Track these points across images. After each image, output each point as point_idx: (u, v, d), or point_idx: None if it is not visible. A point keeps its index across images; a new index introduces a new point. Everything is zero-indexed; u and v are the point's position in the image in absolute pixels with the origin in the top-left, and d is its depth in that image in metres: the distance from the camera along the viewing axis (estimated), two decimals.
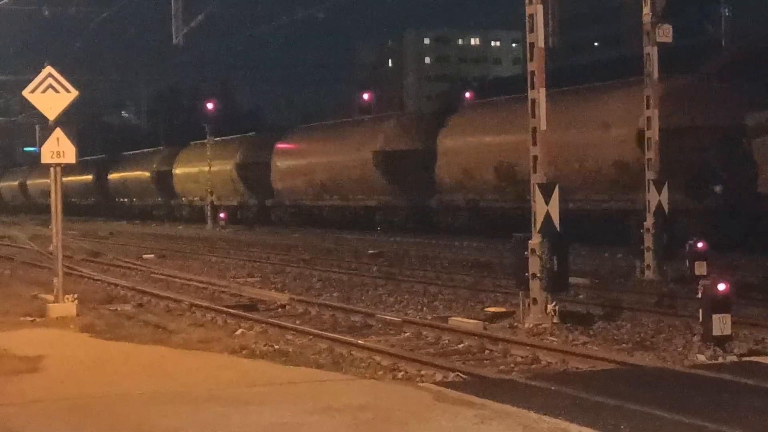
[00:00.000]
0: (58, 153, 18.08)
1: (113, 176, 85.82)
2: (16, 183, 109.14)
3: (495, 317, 17.58)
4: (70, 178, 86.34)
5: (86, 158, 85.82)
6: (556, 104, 37.76)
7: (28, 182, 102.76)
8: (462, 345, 15.28)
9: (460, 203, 43.80)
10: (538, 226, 16.73)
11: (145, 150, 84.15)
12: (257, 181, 59.84)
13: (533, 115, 17.17)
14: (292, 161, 57.20)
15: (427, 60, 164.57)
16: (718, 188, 31.65)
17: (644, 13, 24.10)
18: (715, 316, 13.36)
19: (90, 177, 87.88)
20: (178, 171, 72.26)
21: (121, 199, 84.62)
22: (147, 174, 77.74)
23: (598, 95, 37.30)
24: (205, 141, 65.97)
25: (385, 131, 48.54)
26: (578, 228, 28.84)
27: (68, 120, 18.68)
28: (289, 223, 56.94)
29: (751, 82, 32.80)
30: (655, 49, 24.19)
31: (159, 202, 76.70)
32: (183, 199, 72.17)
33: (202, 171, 65.43)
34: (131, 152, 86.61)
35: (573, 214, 31.01)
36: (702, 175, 31.98)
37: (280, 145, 58.78)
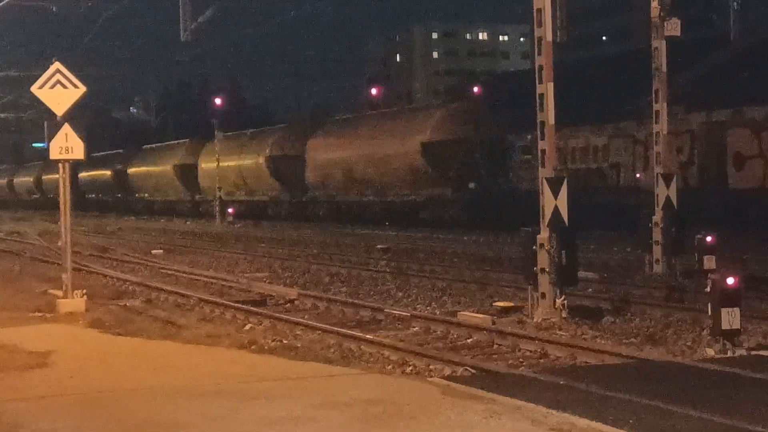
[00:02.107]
0: (67, 149, 18.10)
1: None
2: (31, 178, 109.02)
3: (504, 312, 17.56)
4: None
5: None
6: (373, 123, 53.29)
7: (43, 177, 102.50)
8: (471, 339, 15.27)
9: (323, 198, 55.64)
10: (547, 220, 16.72)
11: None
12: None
13: (541, 109, 17.15)
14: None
15: (436, 54, 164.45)
16: (472, 185, 45.08)
17: (652, 6, 24.04)
18: (724, 310, 13.31)
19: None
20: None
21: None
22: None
23: (398, 117, 51.49)
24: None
25: (274, 139, 60.46)
26: (396, 213, 48.16)
27: (76, 116, 18.70)
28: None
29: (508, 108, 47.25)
30: (664, 42, 24.13)
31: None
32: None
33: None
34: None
35: (391, 204, 49.35)
36: (467, 175, 45.45)
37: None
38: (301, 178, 57.33)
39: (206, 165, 69.08)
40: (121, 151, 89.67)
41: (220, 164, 64.64)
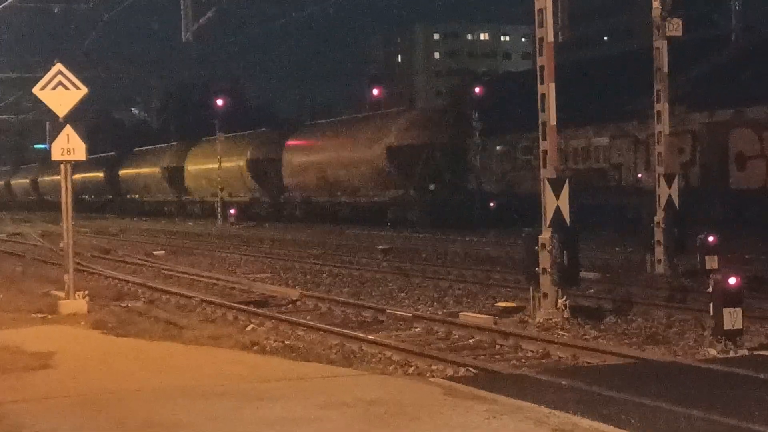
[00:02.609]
0: (68, 150, 18.10)
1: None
2: (27, 180, 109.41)
3: (505, 312, 17.56)
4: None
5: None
6: (343, 129, 56.07)
7: (39, 179, 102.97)
8: (473, 340, 15.27)
9: (299, 199, 58.46)
10: (548, 220, 16.72)
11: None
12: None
13: (542, 110, 17.15)
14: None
15: (437, 55, 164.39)
16: (432, 186, 47.95)
17: (654, 6, 24.04)
18: (726, 310, 13.33)
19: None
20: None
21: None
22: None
23: (365, 123, 54.01)
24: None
25: (253, 143, 63.85)
26: (366, 213, 50.91)
27: (78, 117, 18.70)
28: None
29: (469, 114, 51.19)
30: (665, 43, 24.12)
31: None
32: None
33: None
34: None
35: (361, 205, 52.27)
36: (428, 176, 48.38)
37: None
38: (279, 180, 59.89)
39: (192, 167, 71.78)
40: (113, 153, 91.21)
41: (203, 167, 68.59)
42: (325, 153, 54.95)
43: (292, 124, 63.15)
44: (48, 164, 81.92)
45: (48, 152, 18.94)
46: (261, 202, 63.37)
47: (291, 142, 59.17)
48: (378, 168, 49.91)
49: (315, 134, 58.58)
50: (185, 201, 74.10)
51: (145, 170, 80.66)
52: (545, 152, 17.15)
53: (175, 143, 79.60)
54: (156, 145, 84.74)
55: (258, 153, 62.63)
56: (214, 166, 65.26)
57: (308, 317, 18.30)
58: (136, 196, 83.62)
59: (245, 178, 63.57)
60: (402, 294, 21.44)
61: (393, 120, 51.97)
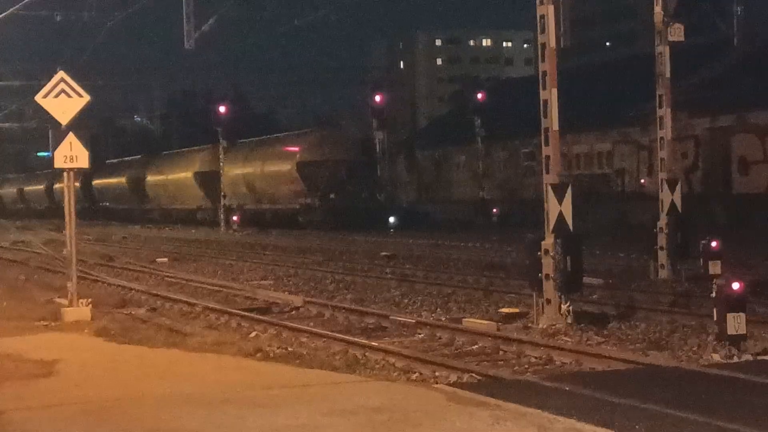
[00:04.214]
0: (71, 157, 18.12)
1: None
2: (42, 187, 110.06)
3: (509, 318, 17.56)
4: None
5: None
6: (265, 146, 64.32)
7: (55, 186, 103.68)
8: (476, 346, 15.27)
9: (234, 206, 64.72)
10: (551, 226, 16.71)
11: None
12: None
13: (545, 116, 17.15)
14: None
15: (439, 61, 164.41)
16: (332, 196, 56.51)
17: (656, 12, 24.04)
18: (729, 315, 13.32)
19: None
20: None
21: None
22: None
23: (282, 141, 62.57)
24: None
25: (201, 157, 71.80)
26: (282, 218, 59.55)
27: (81, 124, 18.73)
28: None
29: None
30: (667, 48, 24.13)
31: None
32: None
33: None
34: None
35: (279, 211, 60.55)
36: (330, 187, 56.60)
37: None
38: (219, 189, 66.73)
39: (152, 178, 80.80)
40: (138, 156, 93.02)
41: (161, 177, 77.70)
42: (252, 167, 64.27)
43: (229, 141, 68.49)
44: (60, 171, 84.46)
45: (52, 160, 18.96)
46: (205, 209, 71.46)
47: (225, 158, 67.11)
48: (291, 180, 59.05)
49: (245, 150, 67.66)
50: (145, 209, 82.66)
51: (113, 180, 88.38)
52: (548, 158, 17.16)
53: (139, 156, 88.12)
54: (122, 158, 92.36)
55: (203, 166, 71.01)
56: (172, 176, 75.94)
57: (312, 324, 18.29)
58: (108, 203, 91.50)
59: (193, 188, 72.36)
60: (405, 300, 21.43)
61: (302, 139, 61.63)
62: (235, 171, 65.48)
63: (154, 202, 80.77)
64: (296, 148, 59.53)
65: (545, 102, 17.15)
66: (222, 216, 63.49)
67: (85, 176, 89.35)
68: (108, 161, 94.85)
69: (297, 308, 20.62)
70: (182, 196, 74.36)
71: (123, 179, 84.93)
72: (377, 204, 58.03)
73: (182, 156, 77.30)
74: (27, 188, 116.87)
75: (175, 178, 75.07)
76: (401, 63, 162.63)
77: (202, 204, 71.58)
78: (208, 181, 68.96)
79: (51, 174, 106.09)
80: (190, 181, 72.20)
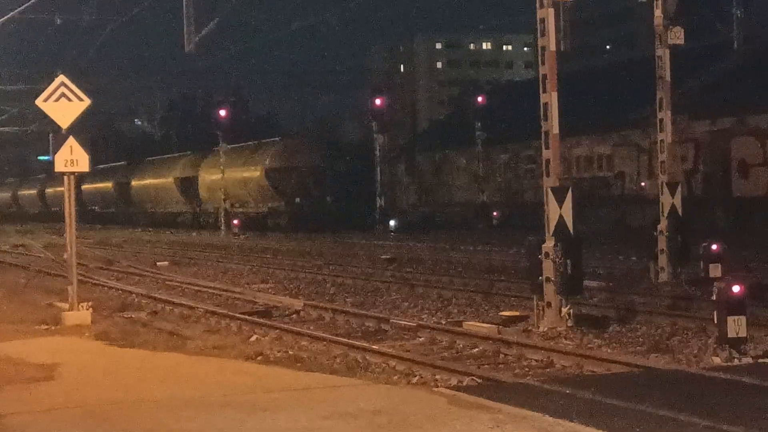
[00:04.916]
0: (72, 161, 18.12)
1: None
2: (34, 191, 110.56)
3: (509, 321, 17.56)
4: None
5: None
6: (237, 154, 66.99)
7: (47, 190, 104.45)
8: (477, 349, 15.27)
9: (211, 209, 70.41)
10: (552, 229, 16.72)
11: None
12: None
13: (545, 119, 17.16)
14: None
15: (439, 65, 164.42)
16: (297, 200, 61.43)
17: (656, 15, 24.05)
18: (730, 318, 13.30)
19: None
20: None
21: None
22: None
23: (252, 150, 65.89)
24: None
25: (182, 163, 76.44)
26: (253, 221, 64.46)
27: (81, 128, 18.73)
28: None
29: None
30: (668, 51, 24.14)
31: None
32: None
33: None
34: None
35: (250, 213, 65.13)
36: (295, 192, 61.57)
37: None
38: (197, 194, 73.11)
39: (136, 183, 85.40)
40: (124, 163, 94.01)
41: (146, 182, 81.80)
42: (226, 173, 67.56)
43: (205, 149, 73.69)
44: (55, 175, 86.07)
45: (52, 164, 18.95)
46: (184, 213, 76.72)
47: (203, 164, 72.72)
48: (260, 185, 63.49)
49: (219, 158, 70.24)
50: (130, 212, 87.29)
51: (101, 185, 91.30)
52: (548, 161, 17.17)
53: (124, 162, 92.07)
54: (110, 164, 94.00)
55: (184, 172, 75.56)
56: (154, 181, 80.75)
57: (312, 327, 18.30)
58: (96, 207, 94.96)
59: (174, 193, 76.98)
60: (406, 303, 21.44)
61: (270, 148, 65.26)
62: (212, 177, 69.97)
63: (138, 206, 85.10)
64: (265, 156, 64.00)
65: (545, 105, 17.16)
66: (223, 219, 63.71)
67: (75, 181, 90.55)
68: (96, 167, 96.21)
69: (297, 312, 20.62)
70: (164, 201, 79.25)
71: (110, 184, 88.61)
72: (340, 208, 62.47)
73: (165, 162, 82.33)
74: (21, 192, 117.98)
75: (158, 183, 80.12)
76: (401, 66, 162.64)
77: (183, 208, 76.54)
78: (188, 186, 73.96)
79: (43, 179, 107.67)
80: (171, 186, 76.91)
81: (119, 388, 11.58)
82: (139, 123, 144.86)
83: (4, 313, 19.67)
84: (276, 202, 62.97)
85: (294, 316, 20.31)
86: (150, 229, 74.21)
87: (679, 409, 9.60)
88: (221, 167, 65.48)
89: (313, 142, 68.21)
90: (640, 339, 15.65)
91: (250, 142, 66.66)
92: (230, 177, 66.93)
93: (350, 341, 15.93)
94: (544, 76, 17.21)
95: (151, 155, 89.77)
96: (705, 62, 51.23)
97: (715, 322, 13.61)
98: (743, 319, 13.38)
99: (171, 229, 72.11)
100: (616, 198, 51.25)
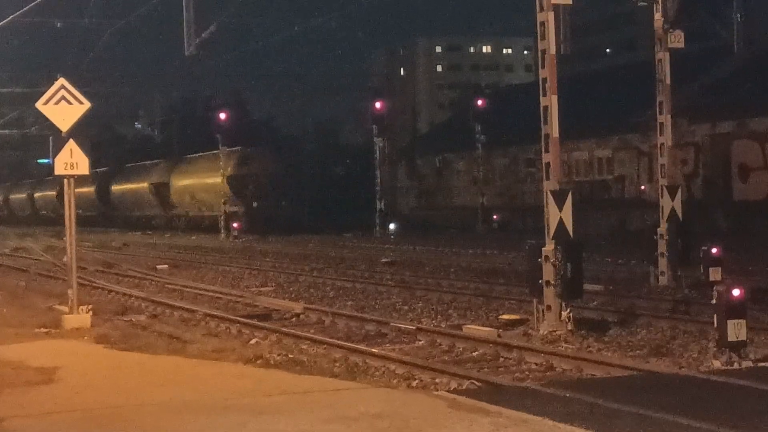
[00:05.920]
0: (72, 165, 18.11)
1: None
2: (24, 195, 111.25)
3: (509, 325, 17.56)
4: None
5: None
6: (203, 162, 72.94)
7: (36, 195, 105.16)
8: (476, 353, 15.26)
9: (181, 213, 75.91)
10: (552, 232, 16.71)
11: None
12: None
13: (545, 122, 17.16)
14: None
15: (439, 68, 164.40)
16: (255, 204, 66.76)
17: (656, 18, 24.06)
18: (730, 322, 13.31)
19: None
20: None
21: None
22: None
23: (215, 158, 68.09)
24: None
25: (156, 170, 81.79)
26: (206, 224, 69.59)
27: (81, 131, 18.73)
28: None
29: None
30: (668, 54, 24.14)
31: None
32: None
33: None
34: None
35: (215, 216, 66.93)
36: (253, 196, 66.51)
37: None
38: (169, 198, 77.91)
39: (116, 187, 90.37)
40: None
41: (126, 186, 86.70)
42: (192, 179, 73.55)
43: (176, 157, 79.64)
44: (43, 180, 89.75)
45: (51, 167, 18.95)
46: (157, 216, 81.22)
47: (175, 171, 77.51)
48: (222, 190, 66.97)
49: (187, 165, 76.68)
50: (111, 215, 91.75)
51: (84, 189, 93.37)
52: (548, 164, 17.17)
53: (106, 168, 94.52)
54: (94, 170, 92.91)
55: (157, 178, 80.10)
56: (133, 186, 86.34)
57: (312, 331, 18.29)
58: (80, 211, 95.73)
59: (148, 197, 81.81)
60: (405, 307, 21.43)
61: (231, 156, 68.67)
62: (182, 182, 75.70)
63: (118, 210, 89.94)
64: (227, 164, 68.02)
65: (545, 108, 17.16)
66: (222, 222, 63.76)
67: (61, 186, 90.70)
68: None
69: (297, 315, 20.62)
70: (140, 204, 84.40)
71: (92, 189, 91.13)
72: (295, 211, 68.11)
73: (142, 168, 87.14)
74: (12, 196, 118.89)
75: (135, 188, 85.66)
76: (401, 70, 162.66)
77: (157, 212, 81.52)
78: (161, 191, 79.01)
79: (33, 183, 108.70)
80: (146, 191, 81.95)
81: (119, 391, 11.58)
82: (140, 126, 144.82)
83: (4, 316, 19.65)
84: (236, 206, 67.67)
85: (294, 319, 20.30)
86: (129, 232, 74.92)
87: (679, 413, 9.60)
88: (187, 174, 71.70)
89: (270, 151, 72.36)
90: (640, 342, 15.65)
91: (216, 151, 69.88)
92: (198, 183, 72.41)
93: (350, 345, 15.93)
94: (544, 80, 17.22)
95: (152, 158, 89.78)
96: (705, 66, 51.27)
97: (715, 325, 13.62)
98: (743, 322, 13.39)
99: (147, 230, 76.62)
100: (617, 201, 51.29)
